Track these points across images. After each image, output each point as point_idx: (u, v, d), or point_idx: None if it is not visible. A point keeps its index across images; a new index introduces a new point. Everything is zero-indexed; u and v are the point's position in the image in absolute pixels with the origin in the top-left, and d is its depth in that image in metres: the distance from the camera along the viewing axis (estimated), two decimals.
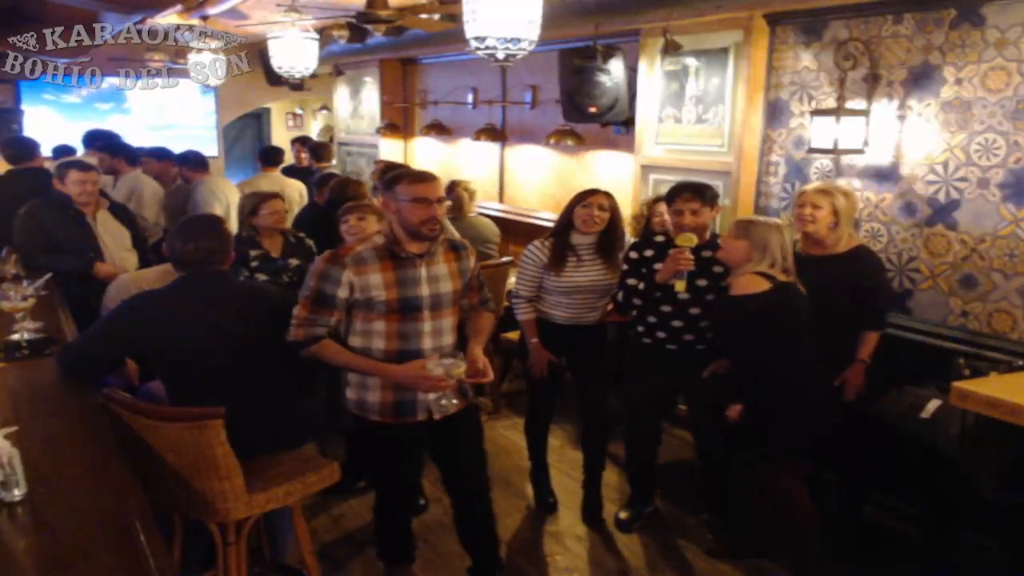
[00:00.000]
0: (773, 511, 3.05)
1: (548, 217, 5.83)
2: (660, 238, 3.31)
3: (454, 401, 2.64)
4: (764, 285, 2.86)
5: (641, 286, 3.23)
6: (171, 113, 9.26)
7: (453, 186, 5.02)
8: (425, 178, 2.53)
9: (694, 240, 3.09)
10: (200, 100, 9.32)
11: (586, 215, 3.32)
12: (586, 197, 3.36)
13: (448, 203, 2.62)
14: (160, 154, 6.24)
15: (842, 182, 3.82)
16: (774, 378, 2.92)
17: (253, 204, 3.79)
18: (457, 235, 3.30)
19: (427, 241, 2.55)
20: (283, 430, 2.73)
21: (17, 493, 1.88)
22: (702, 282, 3.18)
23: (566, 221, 3.40)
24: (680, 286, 3.11)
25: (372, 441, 2.74)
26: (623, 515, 3.59)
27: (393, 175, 2.60)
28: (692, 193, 3.15)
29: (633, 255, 3.33)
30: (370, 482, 3.78)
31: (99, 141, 6.32)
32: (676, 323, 3.24)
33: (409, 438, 2.69)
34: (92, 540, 1.77)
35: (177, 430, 2.31)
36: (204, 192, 5.45)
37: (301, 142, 7.87)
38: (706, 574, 3.26)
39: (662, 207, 4.00)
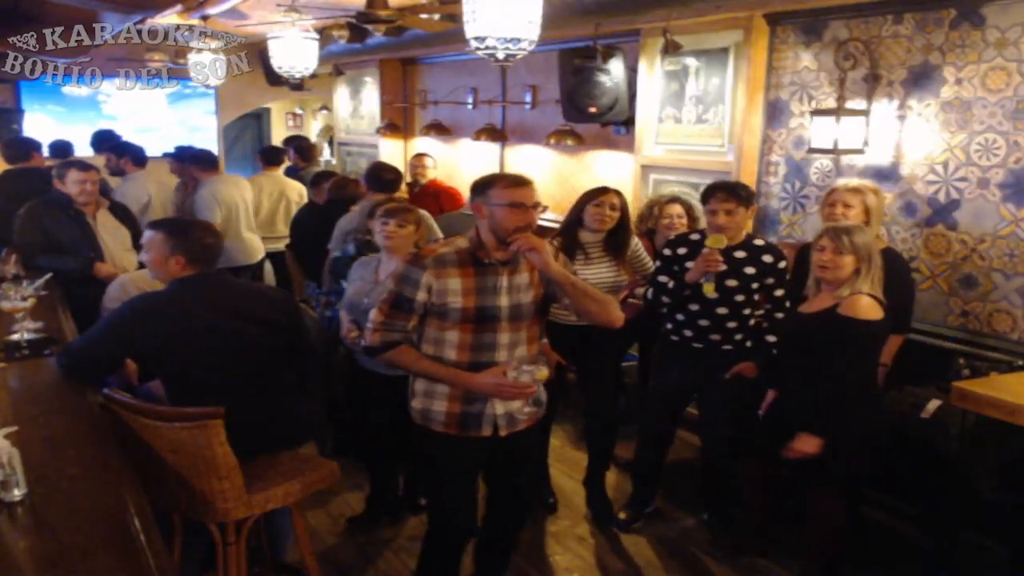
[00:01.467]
0: (819, 526, 3.01)
1: (548, 217, 5.82)
2: (696, 236, 3.29)
3: (526, 411, 2.50)
4: (881, 313, 2.74)
5: (671, 284, 3.22)
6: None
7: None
8: (522, 182, 2.44)
9: (724, 242, 3.07)
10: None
11: (598, 214, 3.34)
12: (598, 195, 3.37)
13: (544, 207, 2.53)
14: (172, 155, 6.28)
15: (842, 182, 3.81)
16: (864, 402, 2.85)
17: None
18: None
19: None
20: (283, 430, 2.73)
21: (17, 493, 1.88)
22: (732, 283, 3.16)
23: (575, 218, 3.41)
24: (708, 288, 3.08)
25: (434, 452, 2.57)
26: (623, 515, 3.59)
27: (486, 178, 2.48)
28: (726, 192, 3.11)
29: (667, 252, 3.33)
30: (392, 520, 3.56)
31: (105, 143, 6.35)
32: (703, 322, 3.23)
33: (472, 452, 2.54)
34: (92, 540, 1.77)
35: (177, 430, 2.31)
36: (205, 196, 5.43)
37: (288, 143, 7.83)
38: (706, 574, 3.26)
39: (672, 210, 4.01)
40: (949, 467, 2.99)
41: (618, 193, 3.41)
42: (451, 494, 2.60)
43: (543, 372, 2.39)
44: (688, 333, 3.28)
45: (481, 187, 2.44)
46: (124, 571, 1.68)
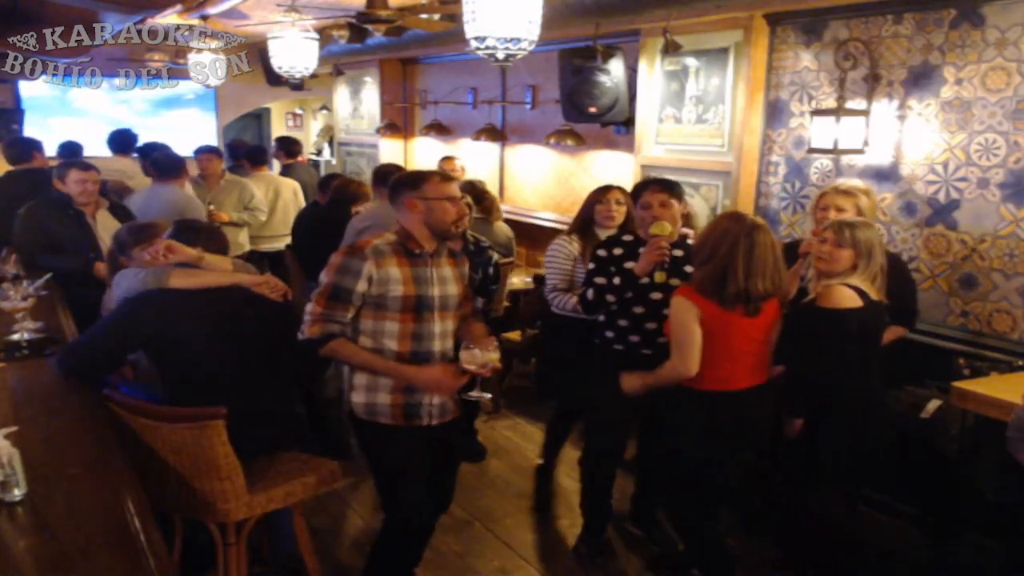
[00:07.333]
0: (810, 533, 2.97)
1: (548, 217, 5.83)
2: (629, 237, 3.15)
3: (479, 394, 2.60)
4: (858, 302, 2.63)
5: (617, 280, 3.00)
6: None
7: (483, 192, 5.01)
8: (450, 178, 2.63)
9: (668, 228, 2.91)
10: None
11: (605, 210, 3.44)
12: (603, 194, 3.49)
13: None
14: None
15: (832, 185, 3.80)
16: (845, 401, 2.74)
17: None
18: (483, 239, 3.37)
19: (446, 239, 2.60)
20: (283, 430, 2.73)
21: (17, 493, 1.88)
22: (675, 281, 2.97)
23: (588, 217, 3.50)
24: (660, 276, 2.92)
25: (384, 446, 2.59)
26: (582, 548, 3.35)
27: (414, 174, 2.66)
28: (658, 185, 3.03)
29: (602, 253, 3.15)
30: None
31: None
32: (650, 325, 3.04)
33: (418, 442, 2.58)
34: (92, 540, 1.77)
35: (178, 430, 2.31)
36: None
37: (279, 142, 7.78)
38: None
39: None
40: (949, 467, 2.99)
41: (621, 189, 3.50)
42: (409, 487, 2.59)
43: (494, 355, 2.45)
44: (634, 339, 3.08)
45: (412, 182, 2.57)
46: (124, 571, 1.68)
